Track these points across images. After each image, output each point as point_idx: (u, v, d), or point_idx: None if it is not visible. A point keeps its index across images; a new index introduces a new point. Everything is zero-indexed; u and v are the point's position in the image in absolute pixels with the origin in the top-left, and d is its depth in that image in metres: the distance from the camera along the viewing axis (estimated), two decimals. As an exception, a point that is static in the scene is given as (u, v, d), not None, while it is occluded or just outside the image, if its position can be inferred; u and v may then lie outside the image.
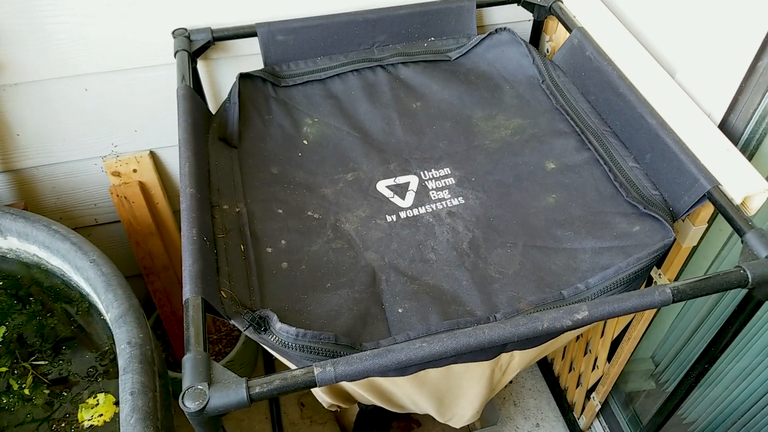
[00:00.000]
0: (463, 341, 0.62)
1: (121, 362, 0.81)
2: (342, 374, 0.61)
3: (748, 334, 1.08)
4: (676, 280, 1.03)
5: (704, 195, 0.78)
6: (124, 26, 1.02)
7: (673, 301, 0.66)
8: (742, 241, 0.73)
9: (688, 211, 0.80)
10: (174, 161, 1.25)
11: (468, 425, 1.44)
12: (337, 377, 0.61)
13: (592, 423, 1.41)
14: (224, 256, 0.79)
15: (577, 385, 1.39)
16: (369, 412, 1.23)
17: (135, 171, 1.21)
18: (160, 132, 1.19)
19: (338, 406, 0.96)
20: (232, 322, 0.71)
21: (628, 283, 0.76)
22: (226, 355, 1.40)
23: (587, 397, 1.36)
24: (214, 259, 0.77)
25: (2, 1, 0.94)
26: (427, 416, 1.44)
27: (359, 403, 1.22)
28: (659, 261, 0.94)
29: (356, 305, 0.77)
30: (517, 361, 0.79)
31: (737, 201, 0.76)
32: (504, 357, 0.77)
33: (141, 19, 1.02)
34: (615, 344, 1.18)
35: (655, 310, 1.06)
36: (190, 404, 0.58)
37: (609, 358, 1.21)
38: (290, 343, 0.68)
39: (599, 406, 1.32)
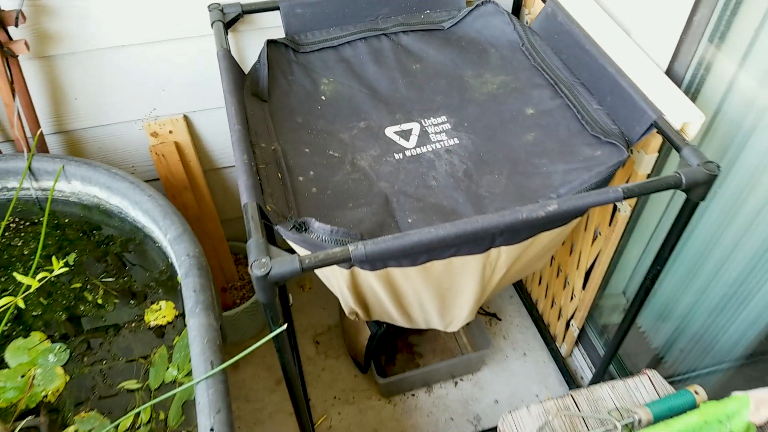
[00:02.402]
0: (461, 227, 0.81)
1: (182, 270, 0.99)
2: (370, 252, 0.79)
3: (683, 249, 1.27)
4: (633, 209, 1.22)
5: (652, 124, 0.97)
6: (164, 2, 1.19)
7: (624, 198, 0.85)
8: (680, 156, 0.92)
9: (640, 137, 0.99)
10: (203, 124, 1.42)
11: (462, 350, 1.62)
12: (367, 254, 0.79)
13: (572, 350, 1.61)
14: (266, 182, 0.97)
15: (558, 318, 1.59)
16: (379, 337, 1.41)
17: (171, 132, 1.38)
18: (192, 98, 1.36)
19: (357, 315, 1.15)
20: (277, 227, 0.89)
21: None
22: (248, 299, 1.58)
23: (567, 327, 1.56)
24: (258, 183, 0.95)
25: (66, -20, 1.12)
26: (428, 347, 1.63)
27: (370, 326, 1.41)
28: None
29: (374, 217, 0.95)
30: (503, 258, 0.98)
31: (677, 127, 0.95)
32: (493, 252, 0.96)
33: (181, -4, 1.20)
34: (588, 276, 1.38)
35: (619, 238, 1.25)
36: (257, 271, 0.76)
37: (584, 286, 1.41)
38: (326, 238, 0.87)
39: (577, 332, 1.51)
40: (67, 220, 1.16)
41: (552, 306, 1.62)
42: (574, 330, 1.52)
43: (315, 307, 1.75)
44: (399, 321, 1.20)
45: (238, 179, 0.90)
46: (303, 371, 1.61)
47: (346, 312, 1.13)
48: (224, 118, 1.42)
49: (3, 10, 1.07)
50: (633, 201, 1.16)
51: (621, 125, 1.04)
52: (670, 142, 0.94)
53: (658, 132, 0.98)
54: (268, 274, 0.76)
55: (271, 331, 0.87)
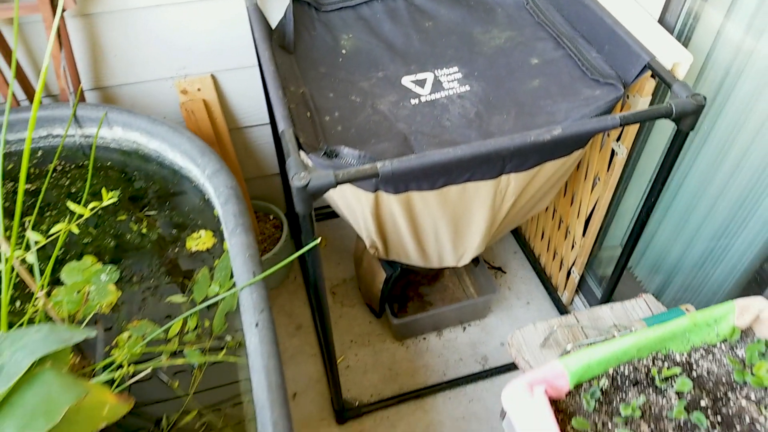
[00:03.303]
0: (476, 148, 0.92)
1: (221, 200, 1.09)
2: (396, 168, 0.89)
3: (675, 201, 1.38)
4: (630, 155, 1.33)
5: (645, 65, 1.07)
6: (198, -36, 1.30)
7: (621, 124, 0.96)
8: (671, 91, 1.03)
9: (635, 78, 1.09)
10: (229, 84, 1.52)
11: (470, 298, 1.72)
12: (393, 171, 0.89)
13: (572, 298, 1.71)
14: (297, 119, 1.07)
15: (560, 269, 1.69)
16: (393, 281, 1.51)
17: (199, 90, 1.48)
18: (219, 57, 1.46)
19: (376, 249, 1.25)
20: (310, 155, 0.99)
21: (592, 128, 1.06)
22: (270, 251, 1.68)
23: (567, 276, 1.66)
24: (290, 118, 1.05)
25: (109, -59, 1.21)
26: (437, 297, 1.73)
27: (385, 269, 1.51)
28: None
29: (395, 150, 1.05)
30: (513, 186, 1.08)
31: (668, 67, 1.06)
32: (503, 179, 1.06)
33: (212, -42, 1.30)
34: (587, 224, 1.48)
35: (617, 182, 1.35)
36: (297, 183, 0.86)
37: (584, 234, 1.51)
38: (354, 162, 0.97)
39: (578, 278, 1.62)
40: (108, 164, 1.26)
41: (554, 258, 1.72)
42: (575, 277, 1.62)
43: (330, 263, 1.85)
44: (414, 257, 1.30)
45: (274, 111, 1.00)
46: (320, 320, 1.72)
47: (367, 244, 1.24)
48: (249, 77, 1.52)
49: (53, -33, 1.17)
50: (629, 145, 1.27)
51: (618, 69, 1.14)
52: (662, 79, 1.04)
53: (651, 73, 1.08)
54: (306, 185, 0.87)
55: (305, 244, 0.97)
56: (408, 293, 1.74)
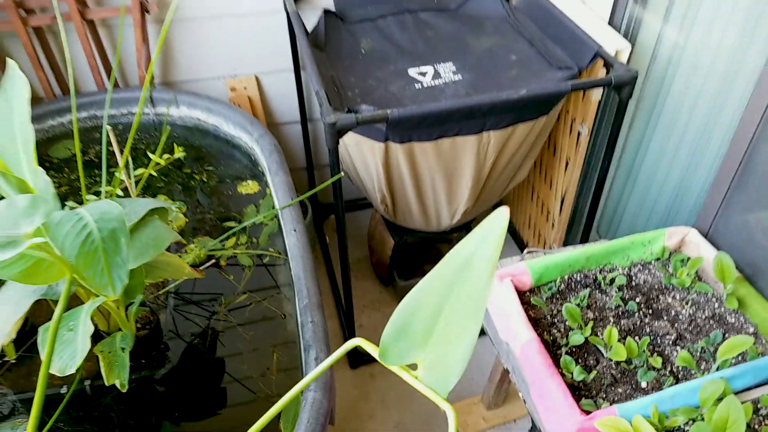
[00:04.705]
0: (461, 102, 1.23)
1: (266, 152, 1.41)
2: (403, 114, 1.21)
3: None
4: (593, 129, 1.63)
5: (595, 54, 1.39)
6: (251, -15, 1.66)
7: (571, 90, 1.27)
8: (613, 70, 1.34)
9: (588, 63, 1.41)
10: (269, 85, 1.87)
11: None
12: (399, 116, 1.21)
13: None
14: (327, 91, 1.40)
15: (544, 247, 1.97)
16: (400, 247, 1.80)
17: (245, 88, 1.83)
18: (262, 62, 1.81)
19: (386, 206, 1.54)
20: (337, 112, 1.31)
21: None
22: (296, 228, 1.97)
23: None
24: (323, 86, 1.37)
25: (185, -34, 1.59)
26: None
27: (393, 237, 1.80)
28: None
29: (402, 114, 1.37)
30: (492, 143, 1.38)
31: (612, 53, 1.38)
32: (485, 136, 1.37)
33: (261, -19, 1.67)
34: (563, 203, 1.77)
35: (583, 158, 1.65)
36: (328, 121, 1.18)
37: (560, 212, 1.80)
38: (370, 117, 1.28)
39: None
40: (175, 134, 1.59)
41: (539, 240, 2.00)
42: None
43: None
44: (417, 217, 1.60)
45: (310, 80, 1.33)
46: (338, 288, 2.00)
47: (378, 201, 1.53)
48: (285, 80, 1.86)
49: (144, -19, 1.54)
50: (590, 125, 1.57)
51: (575, 59, 1.46)
52: (607, 61, 1.36)
53: (602, 61, 1.40)
54: (335, 123, 1.18)
55: (332, 176, 1.27)
56: (415, 269, 2.01)
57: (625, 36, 1.52)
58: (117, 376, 0.92)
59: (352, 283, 1.99)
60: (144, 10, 1.56)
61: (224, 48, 1.76)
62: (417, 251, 2.07)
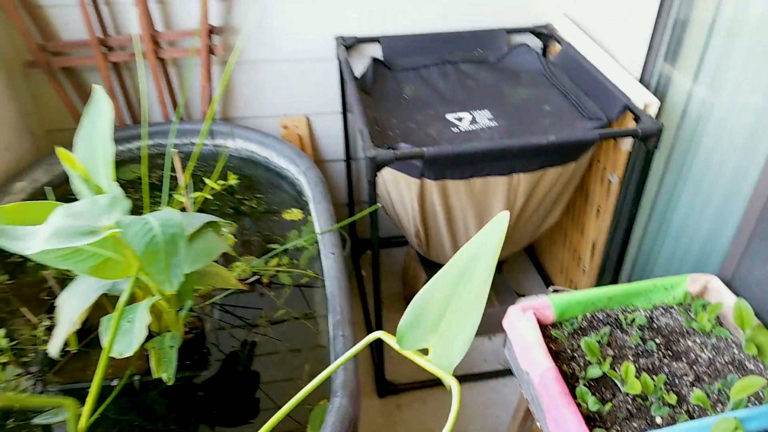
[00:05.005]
0: (493, 144, 1.32)
1: (312, 183, 1.52)
2: (437, 152, 1.31)
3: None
4: (623, 178, 1.69)
5: (625, 106, 1.48)
6: (302, 34, 1.82)
7: (599, 138, 1.35)
8: (640, 122, 1.41)
9: (618, 115, 1.49)
10: (319, 126, 2.01)
11: (490, 303, 2.04)
12: (435, 154, 1.31)
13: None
14: (370, 130, 1.51)
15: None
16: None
17: (296, 126, 1.97)
18: (312, 104, 1.96)
19: (419, 241, 1.63)
20: (378, 149, 1.42)
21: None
22: (334, 260, 2.07)
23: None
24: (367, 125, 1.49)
25: (247, 11, 1.76)
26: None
27: (426, 272, 1.87)
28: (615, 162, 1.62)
29: (438, 154, 1.47)
30: (522, 186, 1.46)
31: (641, 107, 1.46)
32: (514, 177, 1.45)
33: (314, 29, 1.82)
34: (594, 249, 1.82)
35: (614, 206, 1.71)
36: (369, 154, 1.28)
37: (591, 258, 1.85)
38: (408, 154, 1.38)
39: (588, 297, 1.92)
40: (230, 165, 1.73)
41: (570, 285, 2.04)
42: (585, 296, 1.92)
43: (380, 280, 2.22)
44: (448, 252, 1.67)
45: (355, 120, 1.45)
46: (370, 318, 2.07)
47: (412, 235, 1.62)
48: (332, 122, 2.00)
49: (213, 26, 1.71)
50: (621, 174, 1.63)
51: (606, 111, 1.55)
52: (635, 114, 1.44)
53: (629, 111, 1.48)
54: (375, 157, 1.29)
55: (370, 205, 1.37)
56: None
57: (656, 93, 1.59)
58: (164, 371, 1.02)
59: (385, 314, 2.07)
60: (210, 52, 1.73)
61: (279, 90, 1.91)
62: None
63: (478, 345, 1.96)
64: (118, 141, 1.74)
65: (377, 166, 1.31)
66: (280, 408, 0.70)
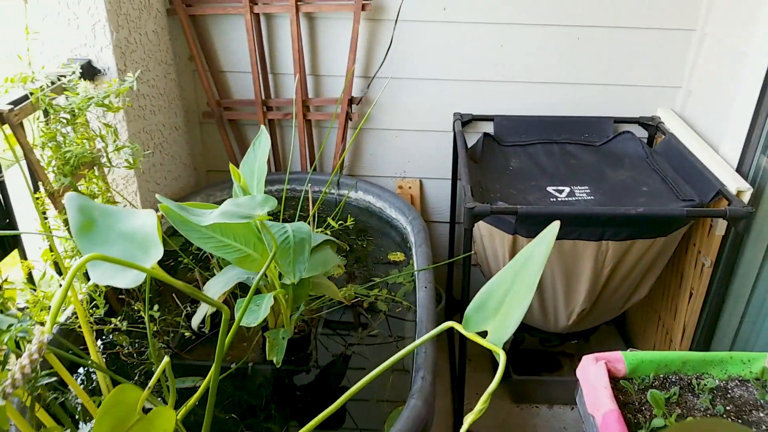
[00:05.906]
0: (583, 208, 1.47)
1: (415, 230, 1.74)
2: (530, 210, 1.47)
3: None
4: (716, 261, 1.74)
5: (718, 191, 1.56)
6: (428, 108, 2.10)
7: (687, 215, 1.45)
8: (731, 204, 1.50)
9: (711, 199, 1.58)
10: (430, 189, 2.25)
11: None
12: (528, 212, 1.48)
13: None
14: (474, 192, 1.71)
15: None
16: (516, 346, 1.96)
17: (410, 188, 2.22)
18: (426, 169, 2.21)
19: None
20: (477, 203, 1.61)
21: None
22: (430, 313, 2.23)
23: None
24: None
25: (384, 87, 2.07)
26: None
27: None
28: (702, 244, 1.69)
29: (533, 216, 1.63)
30: (611, 252, 1.57)
31: (733, 192, 1.54)
32: (603, 244, 1.56)
33: (437, 106, 2.10)
34: (685, 330, 1.84)
35: (706, 288, 1.74)
36: (468, 206, 1.48)
37: (681, 341, 1.86)
38: (503, 209, 1.56)
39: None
40: (349, 212, 2.00)
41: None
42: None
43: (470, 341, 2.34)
44: (536, 312, 1.79)
45: (461, 177, 1.66)
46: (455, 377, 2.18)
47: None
48: (442, 186, 2.23)
49: (353, 96, 2.04)
50: (713, 257, 1.68)
51: (700, 195, 1.64)
52: (727, 198, 1.52)
53: (722, 196, 1.56)
54: (473, 208, 1.48)
55: (464, 253, 1.55)
56: (530, 368, 2.15)
57: (753, 183, 1.66)
58: (275, 355, 1.24)
59: (470, 373, 2.18)
60: (348, 118, 2.05)
61: (399, 154, 2.19)
62: (538, 360, 2.20)
63: (560, 414, 2.00)
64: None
65: (475, 216, 1.50)
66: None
